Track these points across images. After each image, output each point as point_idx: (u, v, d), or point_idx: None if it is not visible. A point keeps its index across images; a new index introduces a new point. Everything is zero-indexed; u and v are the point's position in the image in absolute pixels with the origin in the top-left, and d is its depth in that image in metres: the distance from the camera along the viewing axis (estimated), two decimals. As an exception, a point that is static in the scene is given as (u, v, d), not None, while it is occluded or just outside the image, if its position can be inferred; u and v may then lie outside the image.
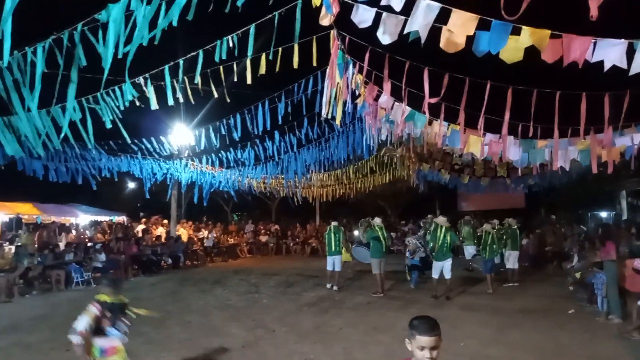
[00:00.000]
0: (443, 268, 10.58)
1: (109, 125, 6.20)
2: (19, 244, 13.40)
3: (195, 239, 20.16)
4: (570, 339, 7.34)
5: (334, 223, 12.80)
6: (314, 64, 5.82)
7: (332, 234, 12.28)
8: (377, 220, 12.01)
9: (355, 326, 8.30)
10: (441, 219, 11.21)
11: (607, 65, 3.94)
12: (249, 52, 5.24)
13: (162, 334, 7.90)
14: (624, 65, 3.90)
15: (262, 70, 5.93)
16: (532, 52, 4.22)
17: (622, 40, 3.87)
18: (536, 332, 7.72)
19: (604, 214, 24.63)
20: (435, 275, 10.67)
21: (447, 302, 10.26)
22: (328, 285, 12.10)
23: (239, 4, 4.05)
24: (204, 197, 18.09)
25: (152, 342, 7.29)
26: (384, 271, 11.58)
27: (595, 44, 3.89)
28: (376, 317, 9.07)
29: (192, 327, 8.49)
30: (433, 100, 5.52)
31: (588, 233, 15.00)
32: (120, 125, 6.56)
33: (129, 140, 6.23)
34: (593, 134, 6.35)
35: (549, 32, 3.89)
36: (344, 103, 6.25)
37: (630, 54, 3.88)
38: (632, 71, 3.85)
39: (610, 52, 3.86)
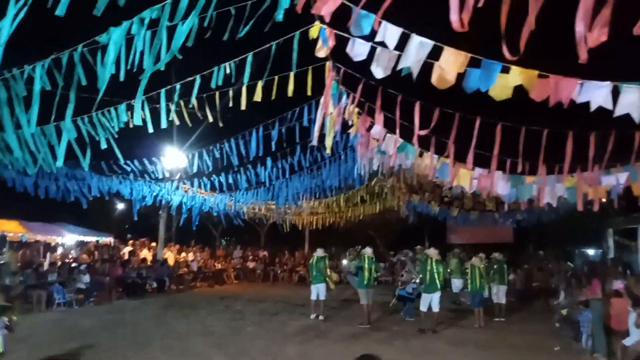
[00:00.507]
0: (431, 301, 10.52)
1: (104, 146, 6.21)
2: (2, 262, 13.17)
3: (182, 261, 19.94)
4: (555, 376, 7.31)
5: (319, 250, 12.75)
6: (309, 93, 5.92)
7: (316, 262, 12.24)
8: (368, 251, 11.94)
9: (339, 357, 8.20)
10: (432, 251, 11.17)
11: (593, 106, 4.07)
12: (245, 79, 5.33)
13: (143, 358, 7.75)
14: (610, 107, 4.02)
15: (258, 97, 6.02)
16: (521, 89, 4.36)
17: (608, 82, 4.01)
18: (523, 369, 7.68)
19: (591, 251, 24.77)
20: (423, 308, 10.58)
21: (433, 336, 10.17)
22: (312, 316, 11.93)
23: (240, 34, 4.16)
24: (193, 221, 17.99)
25: (133, 367, 7.15)
26: (372, 301, 11.48)
27: (582, 85, 4.02)
28: (360, 348, 8.94)
29: (173, 352, 8.33)
30: (422, 133, 5.63)
31: (575, 270, 15.09)
32: (114, 144, 6.59)
33: (122, 161, 6.23)
34: (579, 172, 6.47)
35: (536, 72, 4.03)
36: (336, 133, 6.34)
37: (615, 95, 4.01)
38: (617, 113, 3.98)
39: (596, 94, 3.99)
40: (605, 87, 3.99)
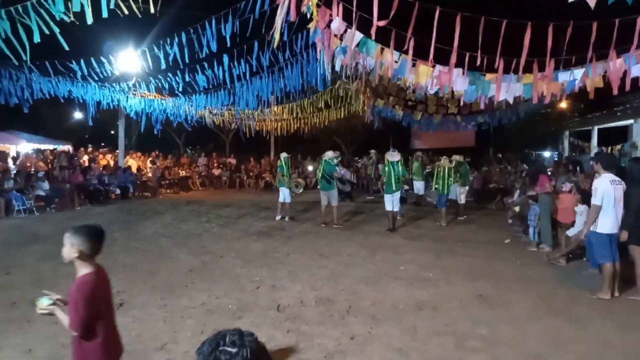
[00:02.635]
0: (393, 200, 10.85)
1: (37, 39, 5.75)
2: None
3: (145, 170, 19.73)
4: (503, 264, 7.81)
5: (283, 154, 12.97)
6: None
7: (282, 165, 12.43)
8: (328, 154, 12.10)
9: (301, 252, 8.53)
10: (390, 154, 11.33)
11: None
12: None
13: (106, 259, 7.79)
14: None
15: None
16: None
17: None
18: (472, 258, 8.17)
19: (547, 154, 25.74)
20: (388, 207, 10.94)
21: (395, 233, 10.60)
22: (277, 217, 12.26)
23: None
24: (155, 126, 17.53)
25: (96, 266, 7.23)
26: (336, 202, 11.68)
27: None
28: (323, 244, 9.32)
29: (137, 252, 8.47)
30: (382, 23, 5.41)
31: (530, 171, 15.70)
32: (59, 36, 6.11)
33: (67, 48, 5.79)
34: (536, 67, 6.46)
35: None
36: (292, 26, 6.03)
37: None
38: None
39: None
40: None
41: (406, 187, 12.38)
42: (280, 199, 12.33)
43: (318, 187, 12.31)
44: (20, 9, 6.16)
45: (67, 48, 5.81)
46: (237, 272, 7.17)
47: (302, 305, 5.63)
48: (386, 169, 10.97)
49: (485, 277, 6.93)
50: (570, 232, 7.99)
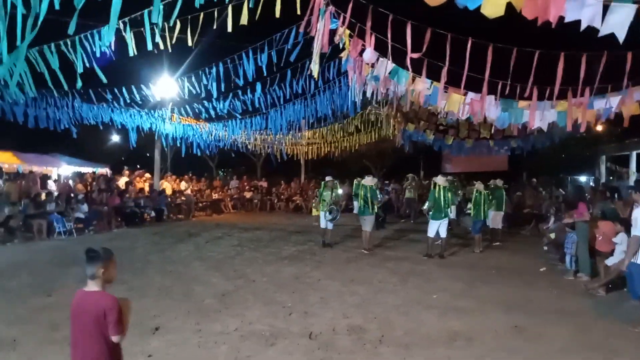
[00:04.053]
0: (439, 227, 10.72)
1: (80, 70, 6.06)
2: (0, 192, 13.32)
3: (178, 190, 20.19)
4: (538, 294, 7.63)
5: (328, 178, 12.45)
6: (298, 12, 5.72)
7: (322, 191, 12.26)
8: (367, 179, 11.79)
9: (333, 278, 8.54)
10: (440, 179, 11.14)
11: (583, 25, 3.96)
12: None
13: (142, 281, 8.06)
14: (598, 26, 3.92)
15: (244, 20, 5.80)
16: (513, 9, 4.22)
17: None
18: (506, 287, 8.02)
19: (583, 178, 25.09)
20: (431, 234, 10.78)
21: (425, 259, 10.48)
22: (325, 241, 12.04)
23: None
24: (194, 151, 18.07)
25: (132, 289, 7.43)
26: (371, 229, 11.51)
27: (571, 2, 3.89)
28: (354, 270, 9.31)
29: (172, 275, 8.65)
30: (415, 56, 5.51)
31: (565, 196, 15.34)
32: (97, 69, 6.44)
33: (104, 80, 6.08)
34: (570, 95, 6.41)
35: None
36: (324, 55, 6.20)
37: (605, 14, 3.90)
38: (602, 32, 3.88)
39: (586, 12, 3.88)
40: (594, 4, 3.87)
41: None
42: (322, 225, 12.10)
43: (355, 212, 12.07)
44: (69, 43, 6.54)
45: (105, 81, 6.11)
46: (269, 297, 7.24)
47: (334, 333, 5.64)
48: (435, 194, 10.78)
49: (520, 307, 6.79)
50: (609, 262, 7.76)
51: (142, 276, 8.47)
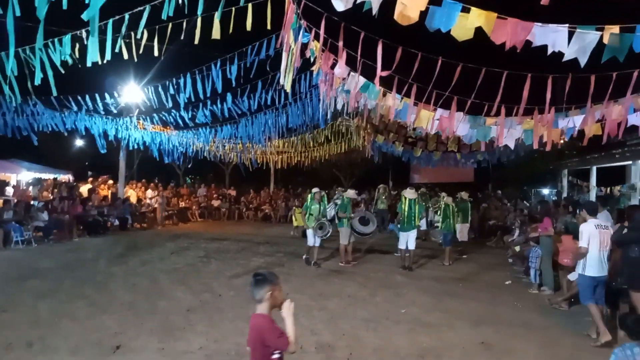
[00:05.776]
0: (408, 239, 10.77)
1: (38, 82, 5.83)
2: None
3: (144, 200, 19.74)
4: (505, 308, 7.74)
5: (315, 190, 11.60)
6: (268, 27, 5.67)
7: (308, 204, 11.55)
8: (349, 192, 11.70)
9: (301, 292, 8.44)
10: (408, 191, 11.22)
11: (549, 50, 4.06)
12: (199, 11, 5.02)
13: (104, 296, 7.78)
14: (565, 51, 4.03)
15: (217, 34, 5.68)
16: (483, 32, 4.29)
17: (565, 26, 3.98)
18: (474, 301, 8.09)
19: (546, 191, 25.81)
20: (401, 246, 10.85)
21: (393, 271, 10.50)
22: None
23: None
24: (165, 159, 17.72)
25: (94, 305, 7.17)
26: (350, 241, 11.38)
27: (539, 28, 3.99)
28: (323, 284, 9.24)
29: (136, 289, 8.38)
30: (385, 73, 5.53)
31: (530, 209, 15.72)
32: (51, 78, 6.20)
33: (54, 93, 5.87)
34: (536, 114, 6.58)
35: (495, 14, 3.97)
36: (295, 70, 6.16)
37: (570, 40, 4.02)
38: (566, 57, 4.00)
39: (553, 38, 3.98)
40: (562, 31, 3.97)
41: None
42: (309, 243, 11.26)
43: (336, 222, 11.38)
44: (28, 50, 6.29)
45: (55, 93, 5.91)
46: (235, 313, 7.07)
47: (302, 351, 5.54)
48: (403, 206, 10.87)
49: (487, 322, 6.86)
50: (572, 277, 7.92)
51: (105, 290, 8.18)
